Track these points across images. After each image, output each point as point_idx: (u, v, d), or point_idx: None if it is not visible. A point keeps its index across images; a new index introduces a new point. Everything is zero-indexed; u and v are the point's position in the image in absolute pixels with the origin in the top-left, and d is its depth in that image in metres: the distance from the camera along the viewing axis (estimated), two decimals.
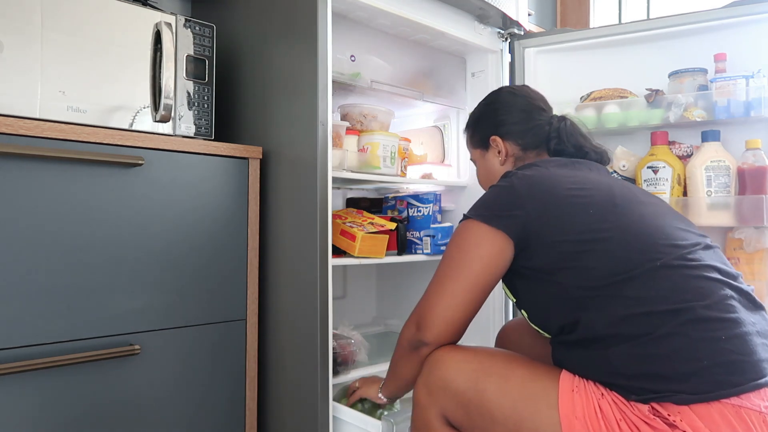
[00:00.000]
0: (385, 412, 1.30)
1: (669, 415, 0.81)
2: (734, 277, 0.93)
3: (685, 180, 1.52)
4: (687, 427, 0.79)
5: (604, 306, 0.90)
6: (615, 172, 1.65)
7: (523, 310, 1.07)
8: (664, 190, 1.52)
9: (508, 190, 1.02)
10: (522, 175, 1.05)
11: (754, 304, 0.91)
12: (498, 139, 1.22)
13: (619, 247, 0.92)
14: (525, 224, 0.98)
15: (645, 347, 0.85)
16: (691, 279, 0.89)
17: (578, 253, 0.94)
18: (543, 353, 1.09)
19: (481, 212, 1.02)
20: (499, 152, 1.22)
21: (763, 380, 0.82)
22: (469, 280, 0.99)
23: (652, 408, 0.83)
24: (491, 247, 0.99)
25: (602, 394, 0.87)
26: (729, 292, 0.89)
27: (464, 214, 1.06)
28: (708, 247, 0.96)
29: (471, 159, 1.34)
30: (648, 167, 1.55)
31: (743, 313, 0.88)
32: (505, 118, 1.23)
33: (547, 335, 1.03)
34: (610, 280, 0.90)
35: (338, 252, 1.44)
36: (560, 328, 0.97)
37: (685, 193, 1.53)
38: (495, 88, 1.75)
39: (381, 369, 1.45)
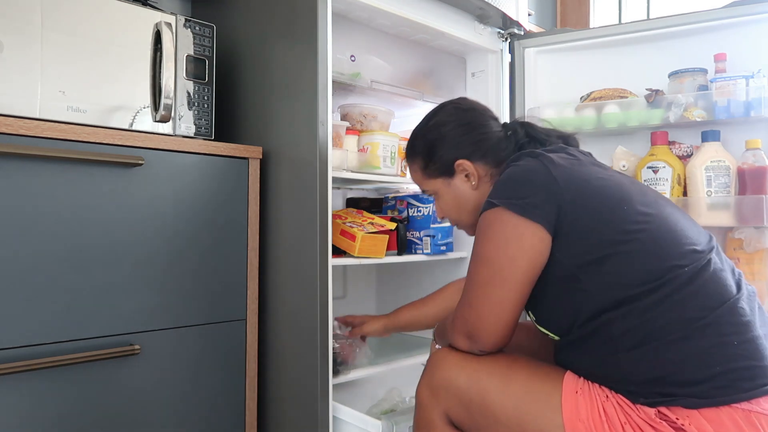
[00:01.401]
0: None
1: (677, 418, 0.80)
2: (740, 278, 0.92)
3: (685, 180, 1.52)
4: (695, 430, 0.79)
5: (626, 313, 0.87)
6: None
7: (530, 312, 1.01)
8: (664, 190, 1.52)
9: (541, 174, 0.93)
10: (552, 158, 0.96)
11: (758, 306, 0.91)
12: (465, 162, 1.09)
13: (649, 252, 0.88)
14: (558, 214, 0.91)
15: (656, 353, 0.84)
16: (711, 284, 0.87)
17: (606, 257, 0.89)
18: (548, 355, 1.07)
19: (513, 201, 0.92)
20: (467, 176, 1.10)
21: None
22: (517, 280, 0.91)
23: (659, 412, 0.82)
24: (533, 237, 0.90)
25: (607, 396, 0.86)
26: (739, 294, 0.88)
27: (490, 201, 0.95)
28: (714, 245, 0.94)
29: (425, 191, 1.19)
30: (648, 167, 1.55)
31: (752, 316, 0.86)
32: (466, 138, 1.10)
33: (555, 337, 0.99)
34: (637, 290, 0.86)
35: (338, 252, 1.44)
36: (569, 329, 0.94)
37: (685, 193, 1.53)
38: (495, 88, 1.79)
39: (382, 369, 1.46)
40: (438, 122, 1.13)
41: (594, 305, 0.89)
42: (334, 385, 1.25)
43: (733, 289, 0.88)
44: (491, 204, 0.95)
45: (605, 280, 0.89)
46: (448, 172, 1.12)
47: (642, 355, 0.85)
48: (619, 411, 0.85)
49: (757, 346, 0.83)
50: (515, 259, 0.91)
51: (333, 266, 1.26)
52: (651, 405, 0.83)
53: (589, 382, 0.90)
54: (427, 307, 1.42)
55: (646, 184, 1.54)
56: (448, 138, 1.11)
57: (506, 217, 0.92)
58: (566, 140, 1.11)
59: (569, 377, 0.92)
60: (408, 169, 1.21)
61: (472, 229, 1.16)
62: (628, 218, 0.90)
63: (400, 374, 1.59)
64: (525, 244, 0.91)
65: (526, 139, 1.10)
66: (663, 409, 0.82)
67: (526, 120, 1.15)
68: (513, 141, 1.11)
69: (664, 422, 0.81)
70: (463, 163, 1.09)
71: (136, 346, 1.10)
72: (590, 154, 1.07)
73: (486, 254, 0.94)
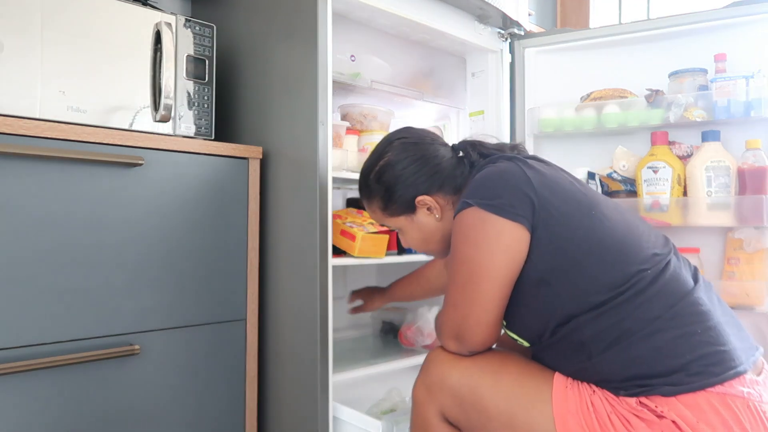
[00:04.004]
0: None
1: (657, 406, 0.84)
2: (696, 272, 0.97)
3: (685, 180, 1.52)
4: (675, 416, 0.82)
5: (595, 317, 0.91)
6: (615, 172, 1.65)
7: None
8: (664, 190, 1.52)
9: (517, 174, 0.96)
10: (526, 161, 0.99)
11: (716, 297, 0.96)
12: (425, 197, 1.08)
13: (616, 258, 0.92)
14: (533, 214, 0.93)
15: (628, 351, 0.88)
16: (672, 281, 0.91)
17: (577, 261, 0.92)
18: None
19: (489, 201, 0.94)
20: (429, 209, 1.10)
21: (741, 367, 0.86)
22: (497, 276, 0.93)
23: (640, 402, 0.86)
24: (511, 234, 0.92)
25: (593, 391, 0.90)
26: (696, 286, 0.92)
27: (466, 201, 0.97)
28: (672, 247, 0.99)
29: (390, 227, 1.18)
30: (648, 167, 1.54)
31: (710, 305, 0.91)
32: (421, 174, 1.09)
33: (525, 344, 1.02)
34: (606, 295, 0.90)
35: (338, 252, 1.43)
36: (540, 336, 0.97)
37: (685, 193, 1.53)
38: (495, 88, 1.79)
39: (382, 369, 1.46)
40: (390, 162, 1.11)
41: (565, 310, 0.92)
42: (334, 385, 1.25)
43: (691, 282, 0.93)
44: (467, 204, 0.96)
45: (576, 284, 0.92)
46: (410, 209, 1.11)
47: (615, 356, 0.89)
48: (605, 403, 0.88)
49: (719, 331, 0.88)
50: (495, 255, 0.92)
51: (333, 266, 1.26)
52: (632, 396, 0.87)
53: (578, 381, 0.93)
54: (414, 285, 1.53)
55: (645, 184, 1.55)
56: (403, 177, 1.09)
57: (483, 216, 0.93)
58: (521, 150, 1.13)
59: (559, 374, 0.95)
60: (366, 207, 1.18)
61: (441, 254, 1.18)
62: (596, 223, 0.93)
63: (400, 374, 1.59)
64: (504, 241, 0.92)
65: (480, 159, 1.10)
66: (643, 399, 0.86)
67: (474, 139, 1.15)
68: (466, 163, 1.11)
69: (645, 410, 0.85)
70: (424, 199, 1.09)
71: (136, 346, 1.10)
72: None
73: (465, 254, 0.95)
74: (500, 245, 0.92)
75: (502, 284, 0.94)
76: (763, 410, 0.84)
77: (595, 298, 0.90)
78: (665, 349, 0.86)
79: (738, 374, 0.85)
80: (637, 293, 0.89)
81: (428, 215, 1.11)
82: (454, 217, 1.01)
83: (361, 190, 1.17)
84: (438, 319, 1.03)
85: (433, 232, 1.12)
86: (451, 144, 1.16)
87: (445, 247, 1.15)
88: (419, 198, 1.09)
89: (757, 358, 0.92)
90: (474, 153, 1.11)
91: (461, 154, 1.12)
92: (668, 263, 0.93)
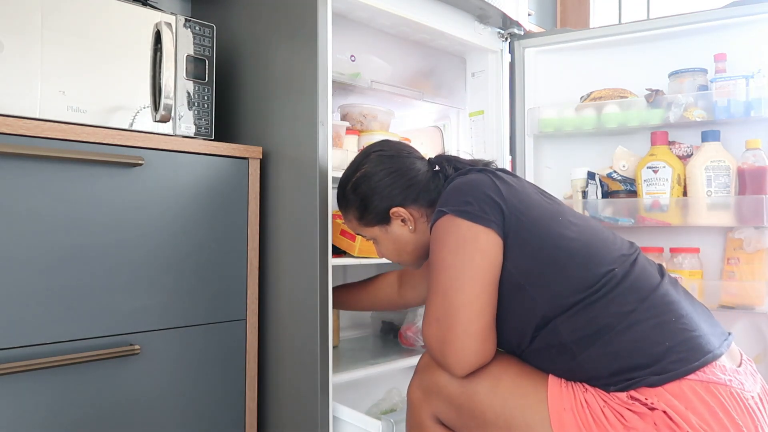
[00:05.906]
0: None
1: (647, 398, 0.86)
2: (662, 268, 1.02)
3: (685, 180, 1.53)
4: (665, 406, 0.84)
5: (570, 316, 0.93)
6: (615, 171, 1.65)
7: None
8: (664, 190, 1.52)
9: (487, 184, 1.00)
10: (496, 172, 1.05)
11: (683, 290, 1.00)
12: (399, 209, 1.12)
13: (585, 260, 0.95)
14: (503, 222, 0.96)
15: (610, 345, 0.90)
16: (641, 277, 0.95)
17: (548, 265, 0.95)
18: None
19: (462, 208, 0.97)
20: (403, 221, 1.13)
21: (717, 351, 0.90)
22: (479, 280, 0.94)
23: (630, 396, 0.88)
24: (487, 238, 0.95)
25: (586, 389, 0.92)
26: (662, 281, 0.96)
27: (440, 210, 1.00)
28: (638, 248, 1.03)
29: (364, 237, 1.21)
30: (648, 167, 1.55)
31: (678, 296, 0.95)
32: (396, 186, 1.12)
33: (500, 349, 1.03)
34: (580, 296, 0.93)
35: (338, 252, 1.44)
36: (519, 343, 0.98)
37: (685, 193, 1.53)
38: (495, 88, 1.79)
39: (382, 369, 1.46)
40: (366, 173, 1.14)
41: (541, 313, 0.94)
42: (334, 385, 1.25)
43: (658, 277, 0.97)
44: (441, 213, 0.99)
45: (551, 287, 0.94)
46: (384, 220, 1.14)
47: (598, 352, 0.91)
48: (598, 399, 0.90)
49: (691, 319, 0.92)
50: (474, 257, 0.94)
51: (333, 266, 1.26)
52: (621, 390, 0.89)
53: (570, 382, 0.95)
54: (362, 295, 1.49)
55: (645, 184, 1.55)
56: (379, 188, 1.12)
57: (458, 222, 0.96)
58: (489, 164, 1.16)
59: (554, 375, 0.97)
60: (342, 217, 1.22)
61: (414, 265, 1.22)
62: (564, 228, 0.97)
63: (400, 374, 1.59)
64: (480, 245, 0.95)
65: (454, 173, 1.11)
66: (632, 392, 0.88)
67: (450, 155, 1.19)
68: (441, 177, 1.13)
69: (637, 403, 0.87)
70: (398, 210, 1.12)
71: (136, 346, 1.10)
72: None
73: (444, 260, 0.97)
74: (478, 248, 0.94)
75: (485, 287, 0.94)
76: (746, 398, 0.86)
77: (569, 299, 0.93)
78: (645, 338, 0.89)
79: (716, 357, 0.88)
80: (609, 290, 0.92)
81: (402, 227, 1.14)
82: (429, 228, 1.04)
83: (338, 200, 1.20)
84: (424, 340, 1.01)
85: (406, 242, 1.16)
86: (427, 158, 1.19)
87: (416, 258, 1.19)
88: (394, 209, 1.12)
89: (730, 342, 0.95)
90: (449, 167, 1.14)
91: (437, 168, 1.15)
92: (635, 261, 0.97)
